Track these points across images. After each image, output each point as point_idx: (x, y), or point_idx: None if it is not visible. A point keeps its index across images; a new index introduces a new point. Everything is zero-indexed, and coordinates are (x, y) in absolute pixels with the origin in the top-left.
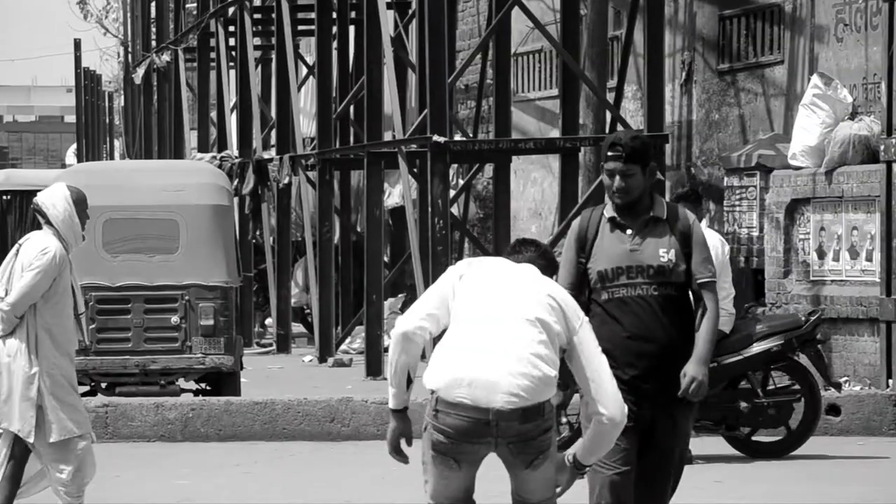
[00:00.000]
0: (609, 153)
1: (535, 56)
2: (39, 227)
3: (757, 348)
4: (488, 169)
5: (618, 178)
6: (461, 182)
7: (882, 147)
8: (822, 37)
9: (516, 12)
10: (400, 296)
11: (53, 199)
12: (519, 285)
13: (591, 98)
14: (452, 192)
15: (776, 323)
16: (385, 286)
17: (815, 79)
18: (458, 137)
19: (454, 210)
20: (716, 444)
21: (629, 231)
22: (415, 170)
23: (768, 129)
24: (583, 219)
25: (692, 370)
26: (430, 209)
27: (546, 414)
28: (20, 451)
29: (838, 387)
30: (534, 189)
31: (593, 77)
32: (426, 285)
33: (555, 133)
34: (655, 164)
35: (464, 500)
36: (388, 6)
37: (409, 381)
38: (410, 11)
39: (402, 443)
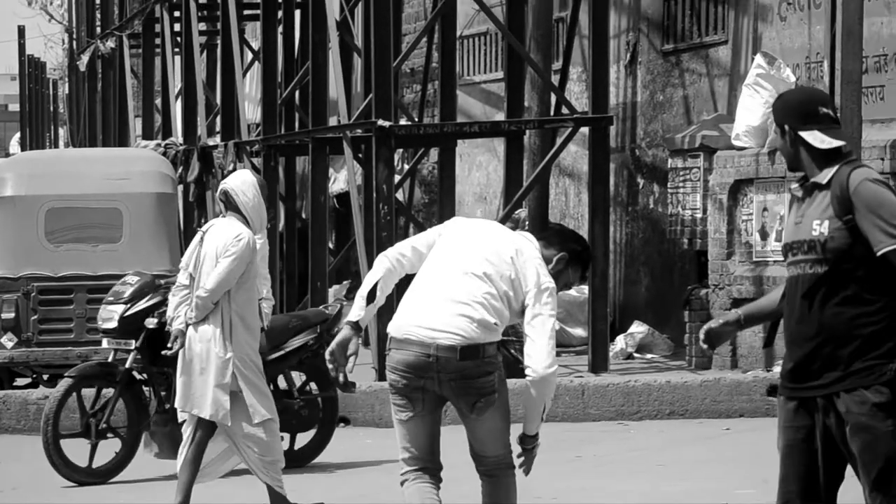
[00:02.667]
0: None
1: (480, 39)
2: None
3: (296, 342)
4: (433, 153)
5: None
6: (406, 167)
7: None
8: (766, 16)
9: None
10: (345, 282)
11: (244, 186)
12: (482, 245)
13: (536, 81)
14: (398, 178)
15: (307, 315)
16: (330, 273)
17: (758, 58)
18: (403, 122)
19: (399, 195)
20: None
21: (798, 201)
22: (360, 155)
23: (712, 109)
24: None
25: None
26: (374, 195)
27: (485, 356)
28: (202, 435)
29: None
30: (479, 173)
31: (538, 59)
32: None
33: (500, 116)
34: (795, 125)
35: (427, 449)
36: None
37: (373, 299)
38: None
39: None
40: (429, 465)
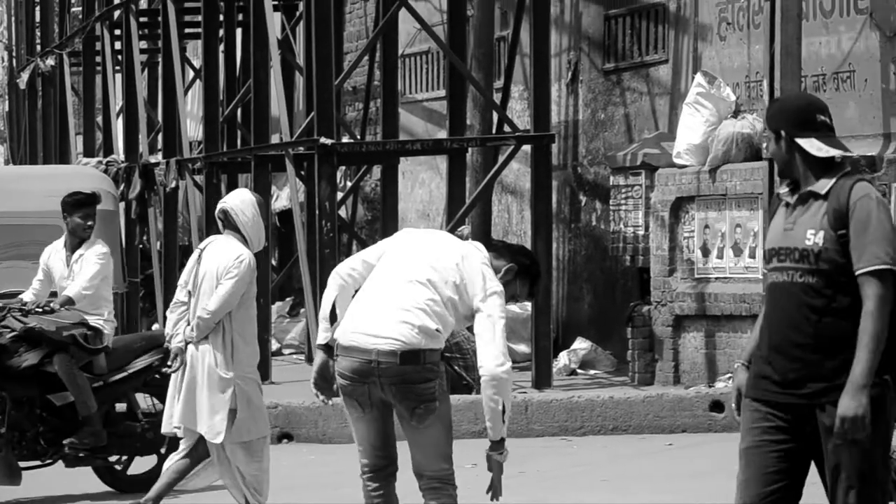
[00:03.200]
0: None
1: (422, 57)
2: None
3: (140, 363)
4: (376, 171)
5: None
6: (349, 184)
7: (765, 145)
8: (706, 35)
9: (403, 13)
10: (288, 299)
11: (243, 205)
12: (427, 253)
13: (478, 99)
14: (340, 195)
15: (153, 335)
16: (272, 290)
17: (698, 77)
18: (345, 139)
19: (342, 212)
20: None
21: (789, 207)
22: (302, 172)
23: (653, 127)
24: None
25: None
26: (317, 212)
27: (426, 362)
28: (201, 452)
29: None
30: (422, 190)
31: (480, 78)
32: (314, 288)
33: (442, 134)
34: (793, 132)
35: (381, 447)
36: (275, 8)
37: (335, 319)
38: (298, 13)
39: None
40: (383, 461)
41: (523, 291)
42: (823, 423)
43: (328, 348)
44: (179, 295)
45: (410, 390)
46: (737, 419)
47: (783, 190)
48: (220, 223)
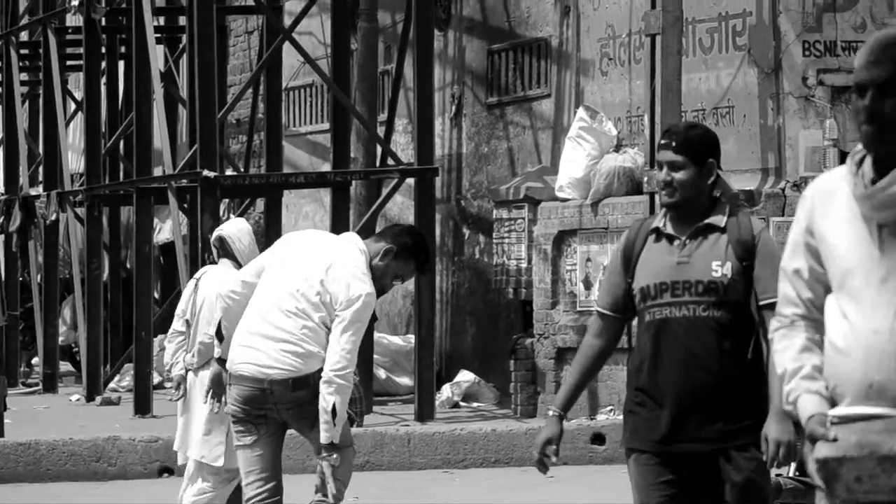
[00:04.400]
0: (661, 141)
1: (306, 90)
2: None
3: None
4: (260, 203)
5: (665, 169)
6: (233, 217)
7: (646, 178)
8: (588, 71)
9: (287, 47)
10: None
11: (240, 233)
12: (297, 275)
13: (362, 132)
14: None
15: None
16: (155, 323)
17: (580, 112)
18: (229, 172)
19: None
20: None
21: (678, 241)
22: (185, 205)
23: (536, 161)
24: (630, 229)
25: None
26: (200, 244)
27: (314, 384)
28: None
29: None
30: (305, 223)
31: (364, 111)
32: None
33: (326, 167)
34: (714, 162)
35: (269, 467)
36: (158, 41)
37: (223, 337)
38: (181, 46)
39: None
40: (271, 482)
41: (408, 271)
42: (728, 471)
43: (221, 361)
44: (177, 325)
45: (305, 411)
46: (544, 475)
47: (661, 223)
48: (215, 251)
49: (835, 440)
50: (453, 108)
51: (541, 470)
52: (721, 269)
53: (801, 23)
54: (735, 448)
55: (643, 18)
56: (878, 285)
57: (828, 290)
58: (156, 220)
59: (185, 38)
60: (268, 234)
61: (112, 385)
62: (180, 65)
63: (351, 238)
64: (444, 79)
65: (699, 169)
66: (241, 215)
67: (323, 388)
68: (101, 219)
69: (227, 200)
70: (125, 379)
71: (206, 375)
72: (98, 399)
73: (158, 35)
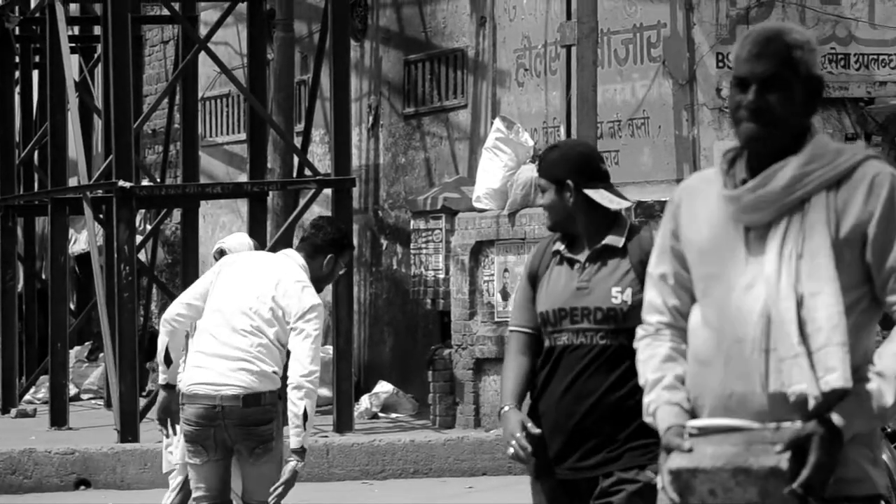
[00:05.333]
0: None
1: (222, 100)
2: None
3: None
4: (176, 214)
5: (541, 192)
6: (149, 227)
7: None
8: (504, 82)
9: (203, 57)
10: (87, 343)
11: (241, 247)
12: (246, 294)
13: (278, 142)
14: (139, 238)
15: None
16: (71, 334)
17: (497, 123)
18: (145, 182)
19: (141, 256)
20: None
21: (577, 264)
22: (101, 216)
23: (453, 172)
24: (536, 249)
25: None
26: (116, 255)
27: (265, 404)
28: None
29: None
30: (222, 234)
31: (280, 121)
32: (113, 332)
33: (243, 177)
34: (572, 183)
35: (218, 488)
36: (73, 50)
37: (170, 362)
38: (96, 55)
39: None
40: (218, 500)
41: (346, 260)
42: (606, 486)
43: (169, 387)
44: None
45: (251, 432)
46: (528, 471)
47: (560, 246)
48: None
49: (690, 451)
50: (370, 118)
51: (521, 457)
52: (621, 295)
53: (715, 34)
54: (620, 470)
55: (559, 30)
56: (743, 292)
57: (694, 297)
58: (71, 231)
59: (100, 47)
60: (184, 245)
61: (27, 397)
62: (95, 74)
63: (290, 254)
64: (361, 89)
65: (561, 191)
66: (157, 226)
67: (293, 395)
68: (16, 229)
69: (143, 211)
70: (41, 391)
71: None
72: (13, 411)
73: (73, 45)
